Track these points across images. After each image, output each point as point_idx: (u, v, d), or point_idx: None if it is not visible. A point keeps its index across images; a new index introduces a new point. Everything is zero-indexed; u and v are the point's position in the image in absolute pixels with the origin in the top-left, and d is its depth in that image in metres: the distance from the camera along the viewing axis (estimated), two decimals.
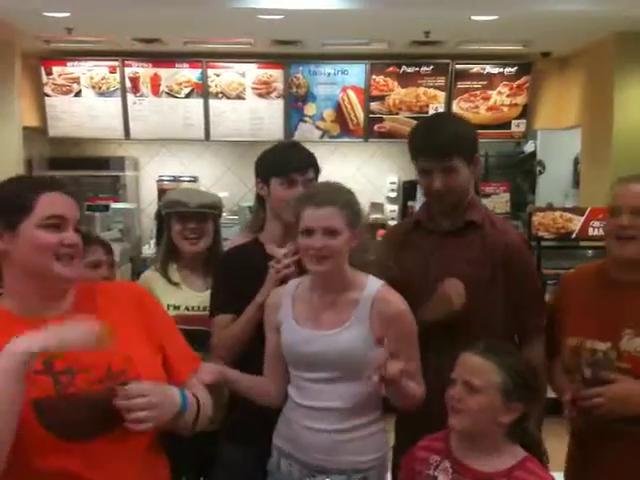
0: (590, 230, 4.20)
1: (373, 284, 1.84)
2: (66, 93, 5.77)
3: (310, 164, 2.15)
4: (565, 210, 4.55)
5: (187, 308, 2.36)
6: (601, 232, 4.19)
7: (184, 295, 2.39)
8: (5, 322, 1.40)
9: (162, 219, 2.50)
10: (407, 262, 2.03)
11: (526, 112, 5.88)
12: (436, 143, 1.97)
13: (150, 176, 6.12)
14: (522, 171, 6.34)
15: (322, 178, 2.17)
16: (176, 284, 2.42)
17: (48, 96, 5.77)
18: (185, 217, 2.38)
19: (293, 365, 1.86)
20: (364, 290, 1.82)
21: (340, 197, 1.80)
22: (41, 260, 1.40)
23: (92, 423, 1.37)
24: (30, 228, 1.40)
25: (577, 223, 4.35)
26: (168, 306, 2.33)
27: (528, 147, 6.29)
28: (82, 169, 5.65)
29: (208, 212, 2.42)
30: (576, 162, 6.02)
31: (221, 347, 2.04)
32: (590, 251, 4.48)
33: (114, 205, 5.45)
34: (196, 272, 2.44)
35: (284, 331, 1.87)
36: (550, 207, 4.91)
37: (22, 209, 1.41)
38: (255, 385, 1.90)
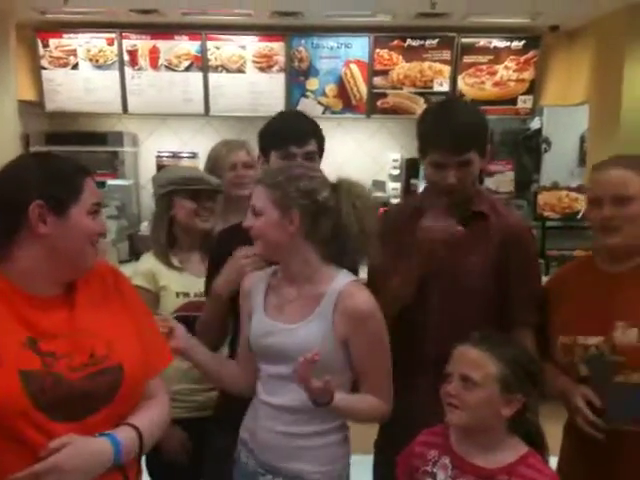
0: None
1: (342, 278, 1.72)
2: (63, 66, 5.64)
3: (310, 135, 2.02)
4: (571, 190, 4.46)
5: (196, 294, 2.26)
6: None
7: (189, 281, 2.29)
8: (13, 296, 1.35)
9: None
10: (408, 249, 1.93)
11: (533, 88, 5.74)
12: (453, 136, 1.82)
13: (149, 152, 6.01)
14: (527, 149, 6.21)
15: (324, 156, 2.08)
16: (179, 269, 2.32)
17: (45, 69, 5.64)
18: (202, 195, 2.29)
19: (258, 357, 1.79)
20: (331, 284, 1.70)
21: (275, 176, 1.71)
22: (81, 247, 1.38)
23: (72, 406, 1.33)
24: (81, 214, 1.36)
25: (583, 203, 4.25)
26: (177, 294, 2.26)
27: (534, 124, 6.16)
28: (80, 144, 5.52)
29: (219, 191, 2.36)
30: (582, 140, 5.90)
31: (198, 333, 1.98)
32: None
33: (110, 182, 5.35)
34: (194, 256, 2.36)
35: (253, 320, 1.79)
36: (556, 186, 4.81)
37: (73, 192, 1.35)
38: (223, 369, 1.86)
